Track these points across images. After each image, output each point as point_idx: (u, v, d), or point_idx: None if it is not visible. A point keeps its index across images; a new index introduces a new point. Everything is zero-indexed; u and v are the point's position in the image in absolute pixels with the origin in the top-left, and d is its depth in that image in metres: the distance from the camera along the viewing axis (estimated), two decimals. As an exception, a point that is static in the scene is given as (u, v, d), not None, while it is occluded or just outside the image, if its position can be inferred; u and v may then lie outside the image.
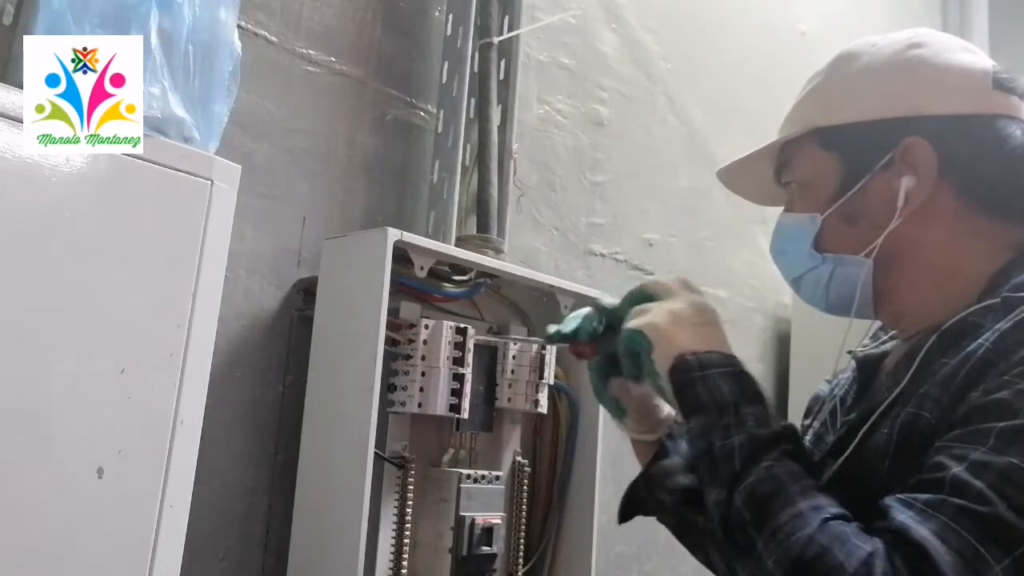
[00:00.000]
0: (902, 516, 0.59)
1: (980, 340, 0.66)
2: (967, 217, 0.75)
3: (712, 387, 0.71)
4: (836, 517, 0.62)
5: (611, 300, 0.87)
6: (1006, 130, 0.74)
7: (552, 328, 0.90)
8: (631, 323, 0.78)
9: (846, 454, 0.70)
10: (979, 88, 0.74)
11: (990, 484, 0.58)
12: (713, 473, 0.68)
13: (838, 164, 0.78)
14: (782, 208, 0.86)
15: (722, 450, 0.68)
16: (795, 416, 1.00)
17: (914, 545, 0.57)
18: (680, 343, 0.74)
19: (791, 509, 0.62)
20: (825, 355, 0.95)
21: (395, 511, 1.17)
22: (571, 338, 0.88)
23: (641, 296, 0.81)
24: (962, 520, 0.57)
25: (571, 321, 0.89)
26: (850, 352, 0.86)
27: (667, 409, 0.91)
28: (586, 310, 0.90)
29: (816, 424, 0.87)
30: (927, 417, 0.66)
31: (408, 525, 1.17)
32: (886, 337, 0.87)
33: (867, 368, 0.84)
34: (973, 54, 0.77)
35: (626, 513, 0.93)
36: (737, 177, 0.89)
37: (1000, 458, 0.58)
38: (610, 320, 0.87)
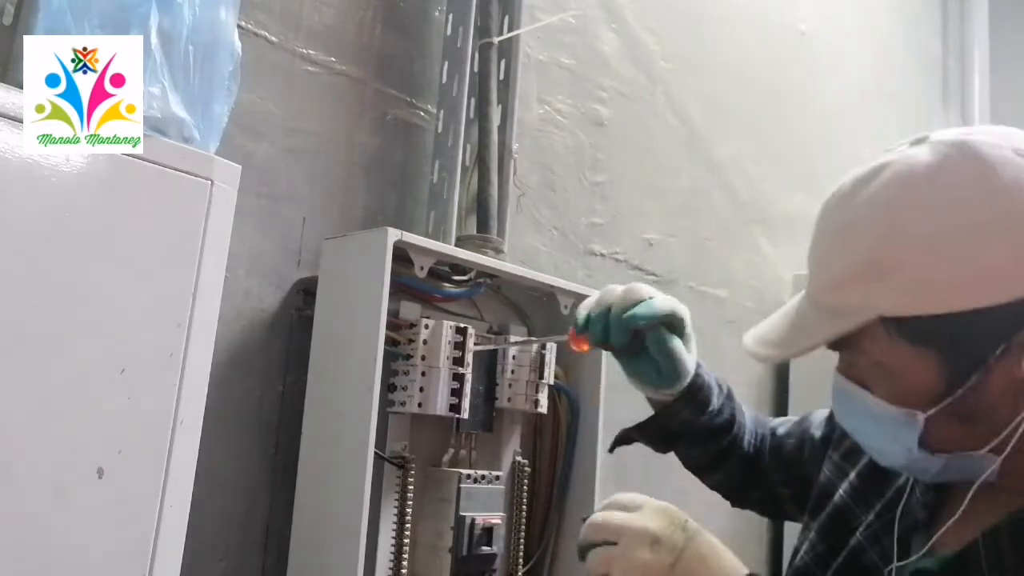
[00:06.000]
0: None
1: None
2: None
3: None
4: None
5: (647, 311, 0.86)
6: None
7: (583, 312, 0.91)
8: None
9: None
10: None
11: None
12: None
13: (938, 362, 0.65)
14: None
15: None
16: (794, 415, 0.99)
17: None
18: None
19: None
20: (825, 356, 0.95)
21: (395, 511, 1.17)
22: (583, 330, 0.91)
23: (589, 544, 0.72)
24: None
25: (582, 312, 0.91)
26: None
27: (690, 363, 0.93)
28: (603, 305, 0.90)
29: (863, 488, 0.80)
30: None
31: (408, 525, 1.17)
32: None
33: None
34: None
35: (621, 442, 0.97)
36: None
37: None
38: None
